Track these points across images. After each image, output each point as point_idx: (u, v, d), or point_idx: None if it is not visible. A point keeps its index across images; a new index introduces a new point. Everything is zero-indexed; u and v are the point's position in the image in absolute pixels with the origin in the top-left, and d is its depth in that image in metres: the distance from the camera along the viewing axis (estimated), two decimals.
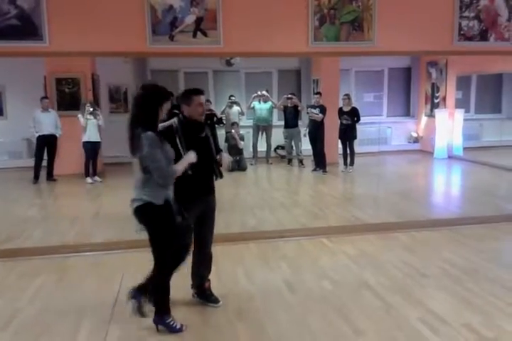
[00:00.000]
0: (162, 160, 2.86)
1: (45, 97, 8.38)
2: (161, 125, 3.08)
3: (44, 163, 8.39)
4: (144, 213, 2.97)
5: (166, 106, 2.98)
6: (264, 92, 9.84)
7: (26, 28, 4.43)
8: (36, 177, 8.25)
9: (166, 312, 3.09)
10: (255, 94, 9.80)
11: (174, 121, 3.25)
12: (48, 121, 8.24)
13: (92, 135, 8.20)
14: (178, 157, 3.02)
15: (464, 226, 5.23)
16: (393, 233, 5.04)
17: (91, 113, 8.12)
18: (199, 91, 3.22)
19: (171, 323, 3.08)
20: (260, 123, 9.86)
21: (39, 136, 8.22)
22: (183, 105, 3.25)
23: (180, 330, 3.08)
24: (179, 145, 3.14)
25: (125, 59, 9.48)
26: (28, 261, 4.44)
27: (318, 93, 9.11)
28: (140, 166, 2.92)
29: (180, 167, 2.96)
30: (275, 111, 10.31)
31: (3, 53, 4.59)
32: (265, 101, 9.86)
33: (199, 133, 3.28)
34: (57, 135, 8.37)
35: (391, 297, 3.50)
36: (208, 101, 8.95)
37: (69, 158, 8.60)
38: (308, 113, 9.03)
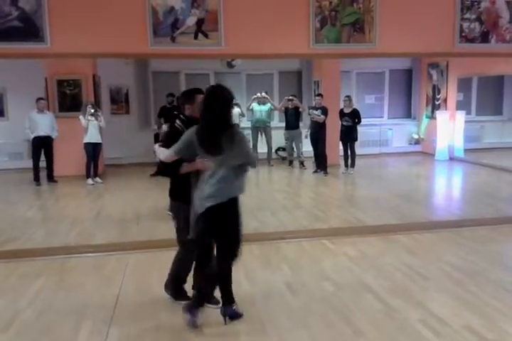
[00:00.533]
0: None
1: (41, 98, 8.32)
2: (164, 127, 3.11)
3: (42, 164, 8.34)
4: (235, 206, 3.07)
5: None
6: (263, 94, 9.85)
7: (28, 29, 4.44)
8: (37, 179, 8.25)
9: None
10: (255, 96, 9.82)
11: (177, 122, 3.26)
12: (44, 123, 8.19)
13: (93, 136, 8.20)
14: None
15: (465, 228, 5.22)
16: (394, 235, 5.03)
17: (92, 114, 8.12)
18: (201, 91, 3.24)
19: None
20: (258, 124, 9.88)
21: (34, 138, 8.17)
22: (186, 105, 3.26)
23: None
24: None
25: (126, 60, 9.52)
26: (29, 262, 4.43)
27: (320, 95, 9.11)
28: (232, 163, 2.98)
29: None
30: (275, 113, 10.31)
31: (4, 55, 4.61)
32: (264, 103, 9.87)
33: None
34: (53, 136, 8.33)
35: (392, 299, 3.49)
36: (171, 95, 8.96)
37: (70, 160, 8.61)
38: (309, 114, 9.04)
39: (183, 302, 3.24)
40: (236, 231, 3.09)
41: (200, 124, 3.00)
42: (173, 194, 3.39)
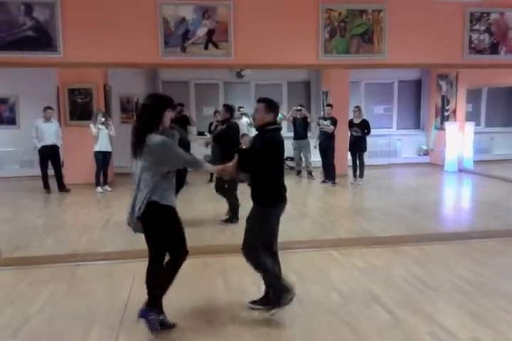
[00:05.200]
0: (183, 154, 3.18)
1: (49, 107, 8.34)
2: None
3: (52, 171, 8.38)
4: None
5: (169, 114, 3.17)
6: None
7: (41, 39, 4.51)
8: (47, 187, 8.31)
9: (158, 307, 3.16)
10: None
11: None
12: (50, 131, 8.24)
13: (103, 145, 8.27)
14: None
15: (474, 240, 5.19)
16: (403, 246, 5.00)
17: (103, 123, 8.20)
18: (259, 100, 3.49)
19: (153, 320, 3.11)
20: None
21: (42, 147, 8.21)
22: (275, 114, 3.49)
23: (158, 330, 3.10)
24: None
25: (136, 70, 9.61)
26: (39, 269, 4.46)
27: (329, 105, 9.13)
28: (155, 169, 3.06)
29: (212, 169, 3.47)
30: (284, 123, 10.33)
31: (18, 64, 4.68)
32: None
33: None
34: (59, 145, 8.40)
35: (400, 310, 3.47)
36: (180, 104, 9.02)
37: (80, 168, 8.68)
38: (319, 124, 9.06)
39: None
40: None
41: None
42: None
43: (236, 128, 6.35)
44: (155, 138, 3.03)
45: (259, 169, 3.36)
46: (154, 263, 3.22)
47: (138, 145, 3.06)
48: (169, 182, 3.15)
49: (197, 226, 5.92)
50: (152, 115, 3.10)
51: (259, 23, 4.78)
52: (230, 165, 3.40)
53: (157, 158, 3.04)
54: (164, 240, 3.17)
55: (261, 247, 3.39)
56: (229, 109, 6.30)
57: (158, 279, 3.18)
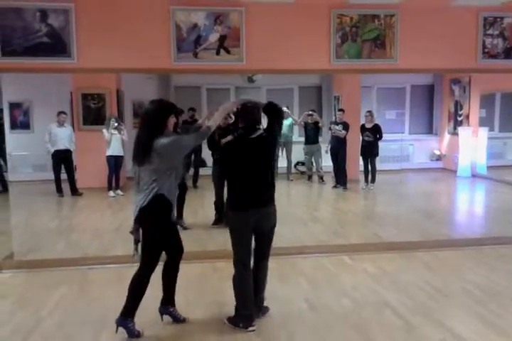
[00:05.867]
0: (189, 136, 3.15)
1: (63, 112, 8.43)
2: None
3: (63, 176, 8.45)
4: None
5: (173, 120, 3.19)
6: (284, 109, 9.87)
7: (56, 45, 4.58)
8: (59, 191, 8.39)
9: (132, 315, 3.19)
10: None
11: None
12: (64, 136, 8.34)
13: (115, 149, 8.33)
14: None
15: (487, 246, 5.13)
16: (415, 252, 4.96)
17: (115, 128, 8.27)
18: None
19: (131, 327, 3.16)
20: (280, 139, 9.86)
21: (55, 151, 8.30)
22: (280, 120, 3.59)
23: (137, 336, 3.14)
24: None
25: (149, 75, 9.68)
26: (51, 273, 4.50)
27: (341, 110, 9.11)
28: (165, 168, 3.09)
29: (215, 120, 3.23)
30: (296, 128, 10.34)
31: (32, 69, 4.75)
32: (286, 118, 9.89)
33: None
34: (72, 149, 8.49)
35: (412, 317, 3.44)
36: (192, 109, 9.14)
37: (92, 172, 8.75)
38: (331, 129, 9.04)
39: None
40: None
41: None
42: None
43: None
44: (161, 141, 3.04)
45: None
46: (144, 268, 3.22)
47: (144, 152, 3.06)
48: (175, 183, 3.19)
49: (207, 230, 5.94)
50: (156, 121, 3.11)
51: (271, 28, 4.80)
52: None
53: (168, 156, 3.07)
54: (162, 238, 3.19)
55: (242, 260, 3.31)
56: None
57: (137, 287, 3.19)
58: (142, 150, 3.07)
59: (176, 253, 3.31)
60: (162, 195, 3.09)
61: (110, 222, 6.65)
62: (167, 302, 3.37)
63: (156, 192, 3.08)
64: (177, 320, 3.36)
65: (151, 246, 3.19)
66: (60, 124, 8.35)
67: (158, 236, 3.17)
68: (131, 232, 3.26)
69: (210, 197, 6.34)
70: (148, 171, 3.10)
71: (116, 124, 8.29)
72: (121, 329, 3.15)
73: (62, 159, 8.36)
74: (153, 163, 3.06)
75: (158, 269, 3.27)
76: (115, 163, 8.40)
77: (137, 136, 3.15)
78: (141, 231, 3.20)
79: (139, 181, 3.16)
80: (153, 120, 3.12)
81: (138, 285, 3.19)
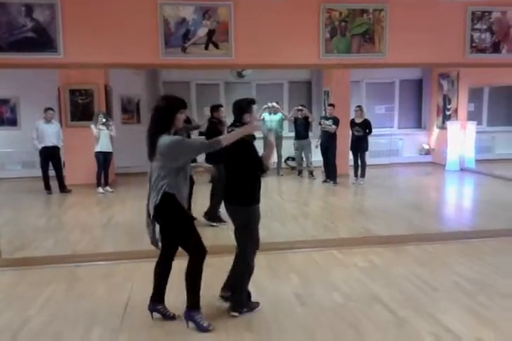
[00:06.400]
0: (194, 142, 3.18)
1: (50, 108, 8.32)
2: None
3: (51, 173, 8.37)
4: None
5: (181, 116, 3.19)
6: (274, 104, 9.88)
7: (41, 40, 4.51)
8: (48, 188, 8.30)
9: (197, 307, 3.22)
10: (265, 106, 9.84)
11: (235, 129, 3.45)
12: (51, 133, 8.24)
13: (104, 145, 8.26)
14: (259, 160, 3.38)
15: (476, 239, 5.17)
16: (404, 246, 4.99)
17: (103, 123, 8.19)
18: (255, 101, 3.55)
19: (199, 320, 3.17)
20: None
21: (42, 148, 8.20)
22: (246, 114, 3.48)
23: (207, 329, 3.15)
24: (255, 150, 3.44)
25: (137, 71, 9.60)
26: (39, 270, 4.46)
27: (331, 105, 9.11)
28: (170, 167, 3.10)
29: (231, 136, 3.21)
30: (286, 123, 10.33)
31: (18, 65, 4.68)
32: (275, 113, 9.89)
33: (255, 138, 3.58)
34: (59, 146, 8.40)
35: (402, 310, 3.46)
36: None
37: (81, 168, 8.68)
38: (321, 124, 9.04)
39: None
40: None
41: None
42: (229, 197, 3.50)
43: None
44: (163, 139, 3.06)
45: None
46: (161, 259, 3.29)
47: (151, 147, 3.10)
48: (184, 182, 3.17)
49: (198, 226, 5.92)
50: (164, 117, 3.12)
51: (260, 23, 4.77)
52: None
53: (169, 157, 3.07)
54: (179, 236, 3.21)
55: (251, 256, 3.48)
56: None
57: (195, 278, 3.21)
58: (149, 146, 3.12)
59: (195, 254, 3.23)
60: (171, 194, 3.09)
61: (99, 219, 6.62)
62: (157, 300, 3.35)
63: (164, 190, 3.09)
64: (166, 317, 3.34)
65: (184, 237, 3.20)
66: (48, 121, 8.24)
67: (181, 228, 3.18)
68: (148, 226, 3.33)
69: (204, 192, 6.28)
70: (157, 167, 3.13)
71: (104, 120, 8.22)
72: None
73: (49, 156, 8.26)
74: (158, 159, 3.09)
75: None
76: (104, 159, 8.33)
77: (146, 130, 3.18)
78: (157, 227, 3.25)
79: (150, 177, 3.18)
80: (160, 116, 3.13)
81: (194, 276, 3.20)
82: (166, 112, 3.12)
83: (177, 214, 3.15)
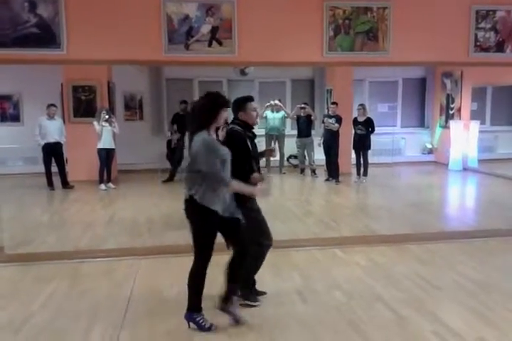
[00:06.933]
0: (217, 164, 3.05)
1: (53, 105, 8.32)
2: (230, 128, 3.43)
3: (54, 169, 8.38)
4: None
5: (225, 114, 3.19)
6: (276, 102, 9.86)
7: (45, 36, 4.50)
8: (50, 184, 8.31)
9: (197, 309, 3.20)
10: (268, 104, 9.83)
11: (235, 127, 3.49)
12: (54, 129, 8.24)
13: (106, 142, 8.27)
14: (248, 157, 3.43)
15: (478, 239, 5.16)
16: (406, 245, 4.98)
17: (106, 120, 8.20)
18: (252, 98, 3.57)
19: (201, 321, 3.16)
20: (272, 132, 9.86)
21: (45, 144, 8.20)
22: (240, 112, 3.50)
23: (209, 329, 3.14)
24: (249, 147, 3.47)
25: (140, 68, 9.61)
26: (42, 266, 4.47)
27: (335, 103, 9.10)
28: (193, 167, 3.10)
29: (238, 187, 3.17)
30: (288, 121, 10.32)
31: (21, 60, 4.68)
32: (278, 111, 9.88)
33: (255, 135, 3.60)
34: (62, 142, 8.40)
35: (404, 309, 3.45)
36: (184, 102, 9.17)
37: (83, 165, 8.70)
38: (324, 122, 9.03)
39: (255, 303, 3.50)
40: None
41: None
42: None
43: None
44: (198, 137, 3.07)
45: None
46: (195, 260, 3.22)
47: (190, 143, 3.11)
48: (209, 183, 3.08)
49: None
50: (207, 113, 3.11)
51: (263, 20, 4.76)
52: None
53: (195, 156, 3.07)
54: (207, 231, 3.18)
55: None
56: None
57: (194, 280, 3.19)
58: (188, 141, 3.16)
59: (198, 260, 3.22)
60: (193, 199, 3.08)
61: (101, 215, 6.63)
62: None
63: (186, 195, 3.12)
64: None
65: (199, 239, 3.17)
66: (50, 117, 8.25)
67: (202, 229, 3.14)
68: None
69: None
70: (188, 167, 3.16)
71: (107, 117, 8.23)
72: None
73: (52, 152, 8.27)
74: (189, 155, 3.13)
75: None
76: (106, 155, 8.34)
77: (188, 128, 3.24)
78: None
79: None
80: (204, 112, 3.12)
81: (196, 277, 3.19)
82: (210, 108, 3.11)
83: (200, 220, 3.15)
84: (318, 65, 7.84)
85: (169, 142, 9.53)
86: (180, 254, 4.42)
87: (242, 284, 3.44)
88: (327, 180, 9.08)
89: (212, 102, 3.14)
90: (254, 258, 3.48)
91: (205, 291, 3.23)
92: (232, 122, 3.55)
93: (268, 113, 9.85)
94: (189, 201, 3.11)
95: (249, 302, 3.51)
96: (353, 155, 9.08)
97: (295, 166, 10.35)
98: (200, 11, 4.67)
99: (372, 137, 8.90)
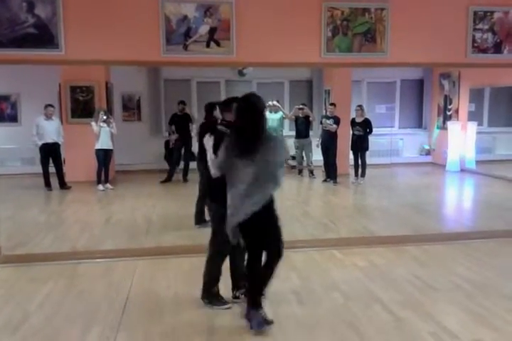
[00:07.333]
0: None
1: (50, 105, 8.30)
2: (220, 128, 3.45)
3: (52, 169, 8.36)
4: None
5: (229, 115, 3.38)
6: (275, 102, 9.87)
7: (43, 36, 4.49)
8: (48, 185, 8.30)
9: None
10: (266, 104, 9.81)
11: (220, 127, 3.51)
12: (51, 129, 8.22)
13: (104, 142, 8.26)
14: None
15: (476, 240, 5.16)
16: (404, 246, 4.98)
17: (104, 121, 8.19)
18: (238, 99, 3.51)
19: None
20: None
21: (42, 144, 8.19)
22: (225, 112, 3.54)
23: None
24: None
25: (138, 68, 9.60)
26: (39, 267, 4.45)
27: (333, 104, 9.11)
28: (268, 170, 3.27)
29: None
30: (286, 122, 10.31)
31: (19, 61, 4.67)
32: (276, 112, 9.88)
33: None
34: (60, 142, 8.39)
35: (402, 311, 3.45)
36: (182, 102, 9.16)
37: (81, 165, 8.68)
38: (322, 123, 9.03)
39: (223, 307, 3.47)
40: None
41: (237, 131, 3.16)
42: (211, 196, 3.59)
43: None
44: (274, 138, 3.29)
45: None
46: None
47: (253, 150, 3.12)
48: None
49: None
50: (263, 117, 3.19)
51: (262, 21, 4.76)
52: None
53: (279, 157, 3.26)
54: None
55: None
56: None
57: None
58: (251, 150, 3.17)
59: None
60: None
61: (99, 216, 6.62)
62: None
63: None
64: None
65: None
66: (48, 117, 8.23)
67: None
68: None
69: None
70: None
71: (105, 117, 8.21)
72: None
73: (50, 152, 8.25)
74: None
75: None
76: (104, 156, 8.33)
77: (246, 133, 3.22)
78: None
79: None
80: (261, 117, 3.18)
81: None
82: (261, 112, 3.18)
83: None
84: (317, 65, 7.84)
85: (167, 143, 9.53)
86: (177, 255, 4.42)
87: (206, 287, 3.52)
88: (325, 181, 9.08)
89: (262, 106, 3.23)
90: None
91: None
92: (221, 123, 3.59)
93: (266, 114, 9.82)
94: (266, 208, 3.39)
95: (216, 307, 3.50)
96: (351, 156, 9.08)
97: (293, 167, 10.34)
98: (198, 11, 4.66)
99: (370, 138, 8.90)
